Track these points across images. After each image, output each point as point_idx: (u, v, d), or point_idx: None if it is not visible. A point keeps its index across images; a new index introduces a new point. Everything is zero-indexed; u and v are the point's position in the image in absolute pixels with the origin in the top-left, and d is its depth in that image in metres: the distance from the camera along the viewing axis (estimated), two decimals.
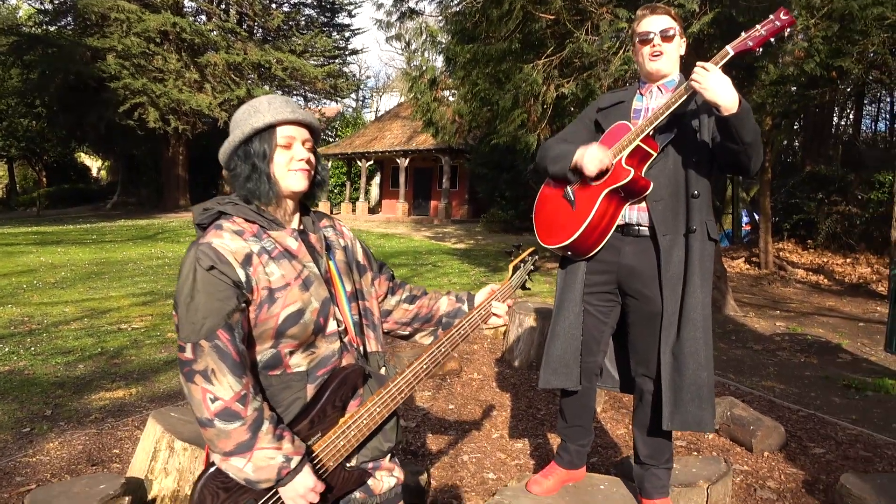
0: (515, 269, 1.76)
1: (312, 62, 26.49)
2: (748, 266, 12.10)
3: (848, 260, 11.90)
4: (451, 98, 10.21)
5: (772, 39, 2.05)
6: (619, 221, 2.21)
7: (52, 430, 3.55)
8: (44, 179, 34.42)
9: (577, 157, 2.16)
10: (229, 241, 1.29)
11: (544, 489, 2.34)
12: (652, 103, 2.23)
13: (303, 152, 1.38)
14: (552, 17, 6.80)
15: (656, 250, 2.18)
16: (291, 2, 27.53)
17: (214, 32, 23.87)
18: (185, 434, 2.64)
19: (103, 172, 38.60)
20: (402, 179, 23.10)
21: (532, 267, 1.79)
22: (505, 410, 3.91)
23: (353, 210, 25.05)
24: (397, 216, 23.28)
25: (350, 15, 32.87)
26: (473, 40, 7.78)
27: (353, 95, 35.46)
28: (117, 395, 4.20)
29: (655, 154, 2.16)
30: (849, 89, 14.82)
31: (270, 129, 1.35)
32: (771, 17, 2.01)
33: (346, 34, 28.81)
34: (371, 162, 24.62)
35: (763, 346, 6.30)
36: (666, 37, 2.14)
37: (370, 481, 1.44)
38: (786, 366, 5.57)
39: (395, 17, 9.53)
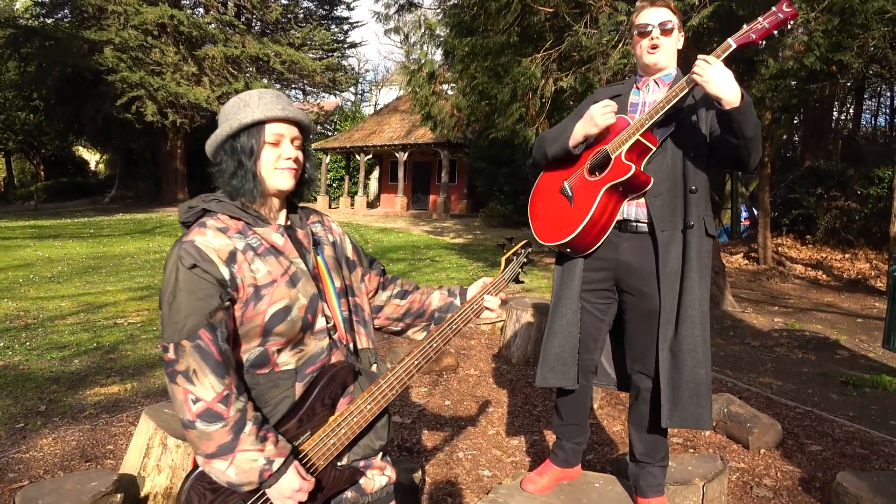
0: (508, 262, 1.73)
1: (311, 55, 26.37)
2: (747, 261, 12.08)
3: (847, 255, 11.89)
4: (449, 92, 10.17)
5: (774, 32, 2.01)
6: (618, 217, 2.18)
7: (46, 426, 3.53)
8: (42, 173, 34.32)
9: (579, 125, 2.14)
10: (213, 238, 1.27)
11: (539, 487, 2.33)
12: (649, 97, 2.20)
13: (291, 151, 1.35)
14: (551, 10, 6.75)
15: (654, 246, 2.15)
16: None
17: (212, 25, 23.75)
18: (178, 431, 2.62)
19: (101, 166, 38.51)
20: (400, 174, 23.05)
21: (525, 260, 1.77)
22: (501, 407, 3.90)
23: (352, 204, 25.00)
24: (396, 210, 23.24)
25: (349, 8, 32.81)
26: (471, 33, 7.74)
27: (351, 89, 35.38)
28: (112, 390, 4.18)
29: (654, 149, 2.13)
30: (849, 84, 14.78)
31: (259, 125, 1.32)
32: (773, 8, 1.97)
33: (345, 27, 28.70)
34: (370, 156, 24.56)
35: (761, 342, 6.28)
36: (664, 30, 2.11)
37: (362, 480, 1.42)
38: (783, 362, 5.56)
39: (393, 9, 9.49)
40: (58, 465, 3.02)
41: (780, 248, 12.46)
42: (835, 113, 17.44)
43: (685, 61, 2.08)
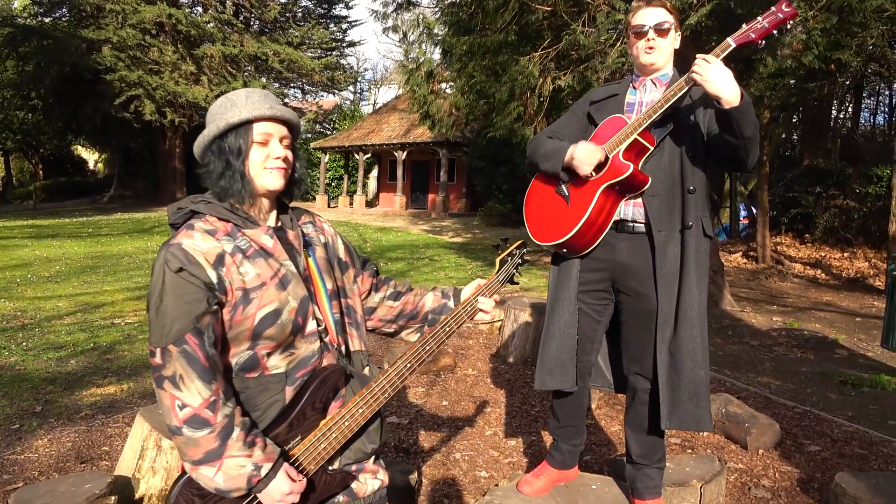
0: (502, 263, 1.72)
1: (309, 54, 26.32)
2: (745, 260, 12.08)
3: (845, 254, 11.89)
4: (447, 90, 10.15)
5: (773, 31, 2.00)
6: (615, 217, 2.17)
7: (42, 427, 3.51)
8: (40, 172, 34.27)
9: (568, 155, 2.11)
10: (200, 241, 1.25)
11: (535, 489, 2.31)
12: (646, 97, 2.19)
13: (280, 150, 1.33)
14: (549, 9, 6.74)
15: (651, 247, 2.14)
16: None
17: (211, 24, 23.71)
18: None
19: (100, 165, 38.46)
20: (399, 173, 23.02)
21: (520, 261, 1.75)
22: (499, 407, 3.88)
23: (351, 203, 24.98)
24: (395, 210, 23.22)
25: (347, 6, 32.78)
26: (469, 32, 7.72)
27: (350, 88, 35.35)
28: (108, 390, 4.17)
29: (652, 148, 2.11)
30: (847, 82, 14.75)
31: (247, 124, 1.30)
32: (773, 8, 1.96)
33: (344, 26, 28.64)
34: (368, 155, 24.53)
35: (759, 342, 6.27)
36: (660, 30, 2.09)
37: (354, 484, 1.41)
38: (782, 361, 5.55)
39: (391, 7, 9.48)
40: (53, 467, 3.01)
41: (778, 247, 12.46)
42: (833, 111, 17.41)
43: (683, 60, 2.06)
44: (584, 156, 2.07)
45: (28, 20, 24.38)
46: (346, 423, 1.33)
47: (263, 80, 24.81)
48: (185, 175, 26.29)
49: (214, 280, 1.23)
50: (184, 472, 1.26)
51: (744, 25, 1.98)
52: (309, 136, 28.91)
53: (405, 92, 16.05)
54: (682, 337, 2.10)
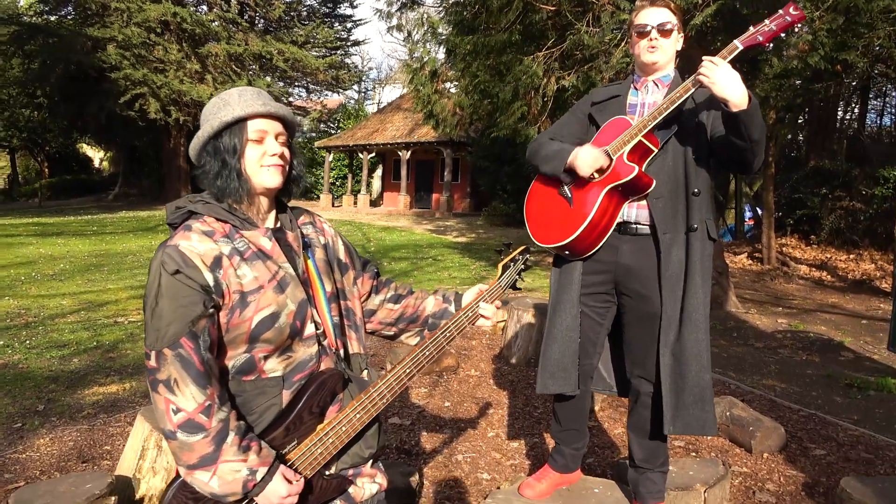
0: (505, 268, 1.70)
1: (314, 53, 26.32)
2: (751, 262, 12.02)
3: (851, 256, 11.82)
4: (452, 90, 10.13)
5: (781, 34, 1.98)
6: (617, 219, 2.14)
7: (44, 426, 3.51)
8: (46, 170, 34.42)
9: (570, 158, 2.09)
10: (197, 243, 1.23)
11: (537, 493, 2.29)
12: (648, 98, 2.17)
13: (276, 147, 1.32)
14: (553, 9, 6.71)
15: (656, 249, 2.12)
16: None
17: (215, 23, 23.73)
18: None
19: (105, 163, 38.60)
20: (403, 172, 23.01)
21: (523, 266, 1.73)
22: (501, 408, 3.86)
23: (355, 203, 24.98)
24: (399, 209, 23.21)
25: (352, 5, 32.72)
26: (473, 31, 7.70)
27: (355, 87, 35.25)
28: (111, 389, 4.17)
29: (656, 150, 2.09)
30: (854, 83, 14.68)
31: (240, 122, 1.29)
32: (780, 11, 1.94)
33: (348, 25, 28.62)
34: (373, 154, 24.52)
35: (764, 344, 6.24)
36: (663, 31, 2.07)
37: (351, 489, 1.39)
38: (787, 364, 5.52)
39: (395, 7, 9.46)
40: (54, 466, 3.00)
41: (784, 249, 12.39)
42: (839, 112, 17.34)
43: (689, 61, 2.04)
44: (588, 160, 2.05)
45: (33, 18, 24.47)
46: (344, 429, 1.31)
47: (268, 78, 24.84)
48: (190, 173, 26.35)
49: (211, 283, 1.22)
50: (178, 475, 1.25)
51: (751, 27, 1.96)
52: (313, 135, 28.94)
53: (409, 91, 16.05)
54: (687, 340, 2.08)
